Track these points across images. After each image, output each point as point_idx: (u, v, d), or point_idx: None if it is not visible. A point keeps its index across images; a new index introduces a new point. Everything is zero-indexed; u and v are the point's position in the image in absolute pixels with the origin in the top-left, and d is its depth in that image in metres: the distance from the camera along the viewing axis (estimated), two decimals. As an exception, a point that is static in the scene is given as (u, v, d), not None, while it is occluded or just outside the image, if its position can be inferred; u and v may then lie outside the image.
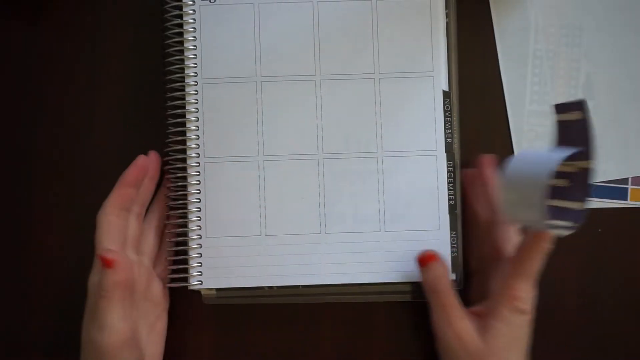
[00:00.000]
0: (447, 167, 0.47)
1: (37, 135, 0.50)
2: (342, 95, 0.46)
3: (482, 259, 0.46)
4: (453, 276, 0.46)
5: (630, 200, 0.50)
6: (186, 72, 0.46)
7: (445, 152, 0.47)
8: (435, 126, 0.47)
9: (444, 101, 0.46)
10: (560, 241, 0.49)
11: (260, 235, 0.46)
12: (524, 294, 0.41)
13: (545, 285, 0.50)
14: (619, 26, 0.50)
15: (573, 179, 0.38)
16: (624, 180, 0.50)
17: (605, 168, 0.50)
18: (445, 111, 0.47)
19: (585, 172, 0.37)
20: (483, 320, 0.42)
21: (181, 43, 0.47)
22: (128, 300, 0.42)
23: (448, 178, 0.47)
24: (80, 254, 0.49)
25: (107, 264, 0.41)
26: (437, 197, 0.46)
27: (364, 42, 0.47)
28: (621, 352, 0.49)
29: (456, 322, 0.42)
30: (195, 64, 0.46)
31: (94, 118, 0.50)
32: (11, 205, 0.50)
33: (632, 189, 0.50)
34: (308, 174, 0.46)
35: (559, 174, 0.38)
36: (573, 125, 0.37)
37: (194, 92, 0.46)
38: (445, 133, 0.47)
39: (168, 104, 0.47)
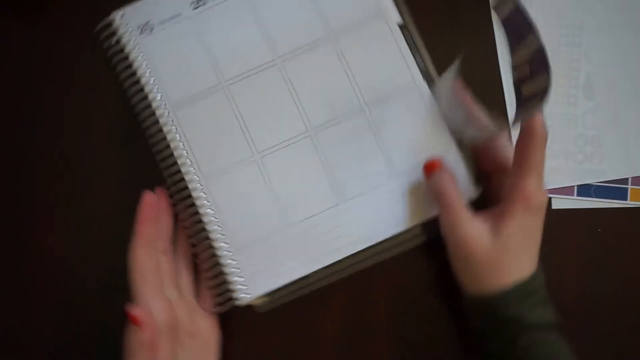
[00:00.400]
0: (433, 95, 0.46)
1: (37, 135, 0.50)
2: (308, 67, 0.46)
3: (488, 178, 0.46)
4: (469, 190, 0.46)
5: (630, 200, 0.50)
6: (154, 105, 0.46)
7: (425, 80, 0.46)
8: (405, 60, 0.46)
9: (403, 34, 0.46)
10: (560, 241, 0.49)
11: (284, 228, 0.46)
12: (534, 191, 0.40)
13: (545, 285, 0.50)
14: (619, 26, 0.50)
15: (532, 63, 0.39)
16: (624, 180, 0.50)
17: (605, 168, 0.50)
18: (408, 44, 0.46)
19: (540, 52, 0.38)
20: (495, 222, 0.42)
21: (137, 80, 0.46)
22: (168, 345, 0.42)
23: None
24: (81, 254, 0.49)
25: (133, 321, 0.41)
26: (434, 125, 0.46)
27: (308, 10, 0.46)
28: (621, 352, 0.49)
29: (462, 225, 0.42)
30: (159, 94, 0.46)
31: (94, 118, 0.50)
32: (11, 205, 0.50)
33: (632, 189, 0.50)
34: (306, 153, 0.46)
35: (517, 65, 0.39)
36: (513, 18, 0.39)
37: (169, 120, 0.46)
38: (418, 64, 0.46)
39: (150, 141, 0.47)
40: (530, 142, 0.40)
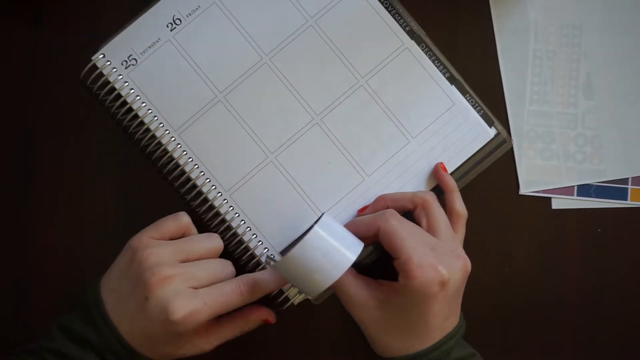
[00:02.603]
0: (423, 50, 0.47)
1: (37, 135, 0.50)
2: (296, 56, 0.47)
3: None
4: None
5: (630, 200, 0.50)
6: (158, 135, 0.46)
7: (412, 39, 0.47)
8: (388, 25, 0.47)
9: None
10: (560, 241, 0.49)
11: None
12: (415, 270, 0.40)
13: (545, 285, 0.50)
14: (619, 26, 0.50)
15: None
16: (624, 181, 0.50)
17: (605, 168, 0.50)
18: (386, 7, 0.47)
19: None
20: (386, 295, 0.42)
21: (135, 115, 0.46)
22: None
23: (430, 58, 0.47)
24: (81, 254, 0.49)
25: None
26: (433, 81, 0.47)
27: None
28: (621, 352, 0.49)
29: (350, 299, 0.42)
30: (161, 123, 0.46)
31: (94, 118, 0.50)
32: (11, 204, 0.50)
33: (632, 189, 0.50)
34: (318, 140, 0.46)
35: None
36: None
37: (177, 146, 0.46)
38: (401, 24, 0.47)
39: (164, 172, 0.46)
40: (387, 240, 0.41)
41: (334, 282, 0.40)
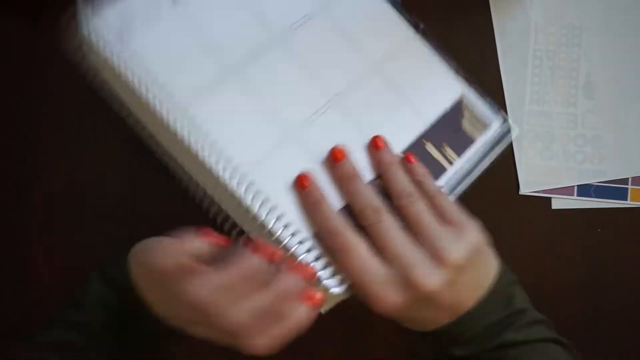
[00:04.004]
0: (430, 43, 0.47)
1: (38, 134, 0.50)
2: (310, 41, 0.45)
3: None
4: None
5: (630, 201, 0.50)
6: (162, 113, 0.41)
7: (418, 33, 0.47)
8: (396, 18, 0.47)
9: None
10: (560, 241, 0.49)
11: None
12: (377, 297, 0.37)
13: (545, 285, 0.50)
14: (619, 26, 0.50)
15: None
16: (624, 181, 0.50)
17: (605, 168, 0.50)
18: (393, 5, 0.47)
19: None
20: None
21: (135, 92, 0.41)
22: None
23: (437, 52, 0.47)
24: (81, 254, 0.49)
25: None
26: (442, 70, 0.46)
27: None
28: (621, 351, 0.50)
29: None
30: (164, 100, 0.41)
31: (94, 118, 0.50)
32: (11, 205, 0.50)
33: (632, 189, 0.50)
34: (338, 122, 0.44)
35: None
36: None
37: (184, 124, 0.41)
38: (408, 20, 0.47)
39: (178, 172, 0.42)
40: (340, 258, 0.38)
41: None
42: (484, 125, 0.47)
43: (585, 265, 0.50)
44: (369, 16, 0.47)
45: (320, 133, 0.44)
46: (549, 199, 0.50)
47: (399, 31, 0.47)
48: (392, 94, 0.46)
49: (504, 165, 0.50)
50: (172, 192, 0.47)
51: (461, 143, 0.46)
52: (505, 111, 0.50)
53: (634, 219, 0.50)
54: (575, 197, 0.50)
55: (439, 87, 0.46)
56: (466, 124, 0.47)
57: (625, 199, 0.50)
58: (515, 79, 0.50)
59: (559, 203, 0.50)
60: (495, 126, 0.46)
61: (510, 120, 0.47)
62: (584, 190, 0.50)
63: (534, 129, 0.50)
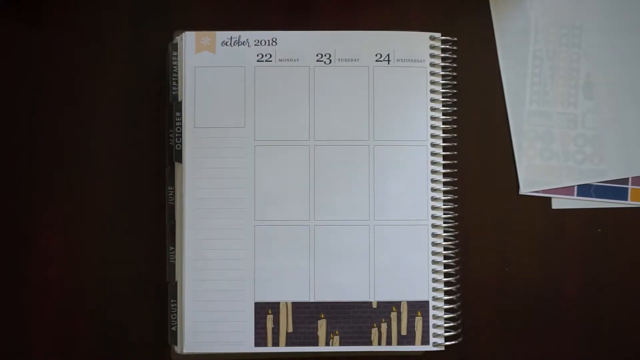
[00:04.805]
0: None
1: (37, 134, 0.50)
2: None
3: None
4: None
5: (631, 200, 0.50)
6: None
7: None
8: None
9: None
10: (560, 241, 0.49)
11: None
12: None
13: (545, 285, 0.50)
14: (619, 26, 0.50)
15: None
16: (624, 180, 0.50)
17: (605, 168, 0.50)
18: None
19: None
20: None
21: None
22: None
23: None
24: (81, 254, 0.49)
25: None
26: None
27: None
28: (621, 352, 0.49)
29: None
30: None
31: (94, 118, 0.50)
32: (11, 205, 0.50)
33: (632, 188, 0.50)
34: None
35: None
36: None
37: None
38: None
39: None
40: None
41: None
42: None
43: (585, 265, 0.50)
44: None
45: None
46: (549, 199, 0.50)
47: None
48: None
49: (504, 165, 0.50)
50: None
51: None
52: (505, 111, 0.50)
53: (634, 218, 0.50)
54: (575, 197, 0.50)
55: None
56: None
57: (626, 199, 0.50)
58: (515, 78, 0.50)
59: (559, 203, 0.50)
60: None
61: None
62: (584, 190, 0.50)
63: (534, 129, 0.50)
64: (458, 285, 0.47)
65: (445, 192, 0.47)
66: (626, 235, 0.50)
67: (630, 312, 0.50)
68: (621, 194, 0.50)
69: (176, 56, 0.47)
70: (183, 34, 0.47)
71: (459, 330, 0.47)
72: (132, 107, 0.50)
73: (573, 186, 0.50)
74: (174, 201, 0.47)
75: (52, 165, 0.50)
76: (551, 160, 0.50)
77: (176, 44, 0.47)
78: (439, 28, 0.48)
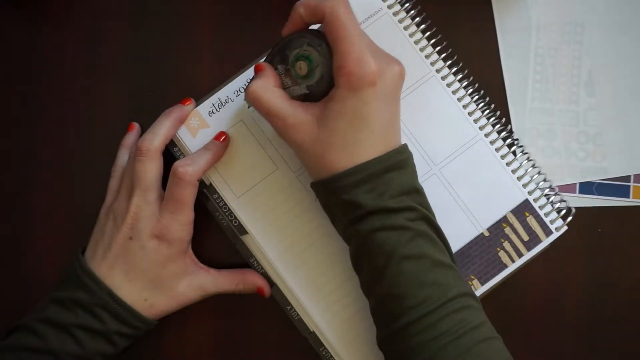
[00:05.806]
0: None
1: (37, 135, 0.50)
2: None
3: None
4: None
5: (633, 198, 0.50)
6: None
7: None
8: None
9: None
10: (561, 240, 0.49)
11: None
12: (354, 66, 0.39)
13: (546, 285, 0.50)
14: (621, 23, 0.50)
15: None
16: (626, 178, 0.50)
17: (607, 165, 0.50)
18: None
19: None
20: (323, 109, 0.41)
21: None
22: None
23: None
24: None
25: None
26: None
27: None
28: (621, 351, 0.50)
29: (285, 120, 0.41)
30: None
31: (94, 118, 0.50)
32: (11, 205, 0.50)
33: (634, 186, 0.50)
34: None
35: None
36: None
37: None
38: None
39: None
40: (328, 21, 0.40)
41: (268, 106, 0.41)
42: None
43: (586, 265, 0.50)
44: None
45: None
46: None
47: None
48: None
49: (506, 163, 0.50)
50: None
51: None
52: (507, 109, 0.50)
53: (636, 216, 0.50)
54: (577, 194, 0.50)
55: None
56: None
57: (628, 197, 0.50)
58: (517, 76, 0.50)
59: (561, 201, 0.50)
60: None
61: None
62: (586, 187, 0.50)
63: (535, 127, 0.50)
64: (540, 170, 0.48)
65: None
66: (628, 233, 0.50)
67: (631, 312, 0.50)
68: (623, 191, 0.50)
69: (218, 197, 0.47)
70: (177, 134, 0.47)
71: (566, 203, 0.48)
72: (132, 107, 0.50)
73: (575, 184, 0.50)
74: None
75: (53, 164, 0.50)
76: (553, 158, 0.50)
77: (209, 185, 0.47)
78: (441, 26, 0.48)
